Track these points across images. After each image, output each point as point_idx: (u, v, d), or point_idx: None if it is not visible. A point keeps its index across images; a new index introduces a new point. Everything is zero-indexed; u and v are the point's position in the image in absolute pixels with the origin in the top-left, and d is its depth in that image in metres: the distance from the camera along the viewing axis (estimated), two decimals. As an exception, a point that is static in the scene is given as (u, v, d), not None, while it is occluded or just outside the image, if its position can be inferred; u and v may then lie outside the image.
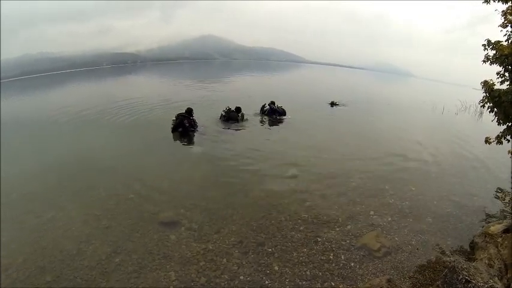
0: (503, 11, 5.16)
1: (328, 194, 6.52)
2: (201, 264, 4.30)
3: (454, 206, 6.32)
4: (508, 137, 5.50)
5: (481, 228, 5.28)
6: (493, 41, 5.22)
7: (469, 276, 3.21)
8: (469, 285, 3.16)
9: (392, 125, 14.36)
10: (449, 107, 19.65)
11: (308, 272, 4.23)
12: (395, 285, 3.94)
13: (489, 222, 5.48)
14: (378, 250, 4.71)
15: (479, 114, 16.97)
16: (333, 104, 17.40)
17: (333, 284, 4.06)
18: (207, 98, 17.69)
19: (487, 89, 5.29)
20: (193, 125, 10.62)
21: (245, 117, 12.39)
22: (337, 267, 4.37)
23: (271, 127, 12.20)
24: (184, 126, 10.31)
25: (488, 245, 4.46)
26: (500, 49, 5.06)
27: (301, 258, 4.49)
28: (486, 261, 4.10)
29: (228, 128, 11.29)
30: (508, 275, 3.68)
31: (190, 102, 15.00)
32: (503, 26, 5.19)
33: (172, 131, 10.43)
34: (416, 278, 4.20)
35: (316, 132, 11.85)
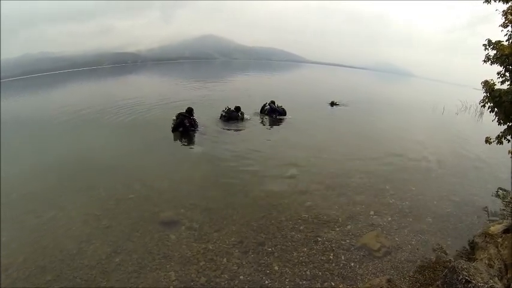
0: (503, 11, 5.15)
1: (328, 194, 6.52)
2: (201, 264, 4.30)
3: (454, 206, 6.32)
4: (509, 137, 5.49)
5: (481, 228, 5.27)
6: (493, 41, 5.21)
7: (469, 277, 3.21)
8: (469, 286, 3.15)
9: (393, 125, 14.35)
10: (450, 107, 19.63)
11: (308, 272, 4.23)
12: (395, 285, 3.94)
13: (489, 222, 5.48)
14: (378, 250, 4.71)
15: (480, 114, 16.95)
16: (333, 104, 17.39)
17: (333, 283, 4.06)
18: (207, 97, 17.71)
19: (488, 89, 5.27)
20: (193, 125, 10.62)
21: (245, 116, 12.41)
22: (337, 267, 4.37)
23: (272, 127, 12.20)
24: (185, 126, 10.31)
25: (488, 245, 4.45)
26: (501, 49, 5.05)
27: (301, 258, 4.50)
28: (486, 262, 4.10)
29: (229, 128, 11.29)
30: (508, 275, 3.67)
31: (190, 101, 15.02)
32: (504, 25, 5.17)
33: (173, 131, 10.44)
34: (416, 278, 4.20)
35: (317, 132, 11.85)
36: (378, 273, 4.26)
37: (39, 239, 4.77)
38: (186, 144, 9.80)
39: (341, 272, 4.28)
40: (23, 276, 4.01)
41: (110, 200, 5.98)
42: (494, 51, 5.17)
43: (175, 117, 10.55)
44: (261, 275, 4.14)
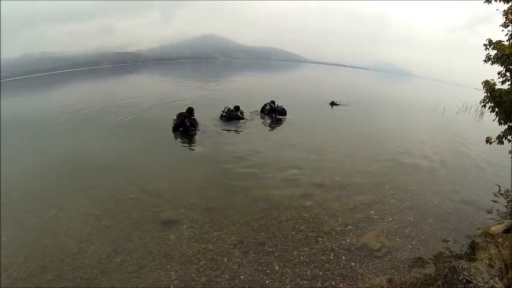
0: (504, 11, 5.14)
1: (329, 194, 6.51)
2: (202, 263, 4.30)
3: (454, 206, 6.32)
4: (509, 137, 5.48)
5: (481, 228, 5.28)
6: (494, 41, 5.20)
7: (469, 277, 3.21)
8: (469, 286, 3.15)
9: (394, 124, 14.35)
10: (451, 107, 19.64)
11: (309, 272, 4.23)
12: (396, 285, 3.95)
13: (490, 223, 5.48)
14: (379, 250, 4.70)
15: (480, 114, 16.94)
16: (333, 103, 17.39)
17: (334, 283, 4.06)
18: (208, 97, 17.72)
19: (488, 89, 5.26)
20: (194, 125, 10.62)
21: (245, 115, 12.47)
22: (337, 266, 4.37)
23: (272, 127, 12.20)
24: (185, 126, 10.32)
25: (488, 245, 4.45)
26: (502, 49, 5.03)
27: (301, 258, 4.49)
28: (487, 262, 4.10)
29: (229, 128, 11.30)
30: (509, 275, 3.67)
31: (190, 101, 15.05)
32: (505, 25, 5.16)
33: (173, 131, 10.44)
34: (416, 277, 4.19)
35: (317, 132, 11.85)
36: (378, 273, 4.26)
37: (40, 239, 4.77)
38: (186, 144, 9.80)
39: (341, 271, 4.28)
40: (24, 276, 4.02)
41: (110, 200, 5.98)
42: (495, 51, 5.16)
43: (175, 117, 10.56)
44: (261, 275, 4.14)
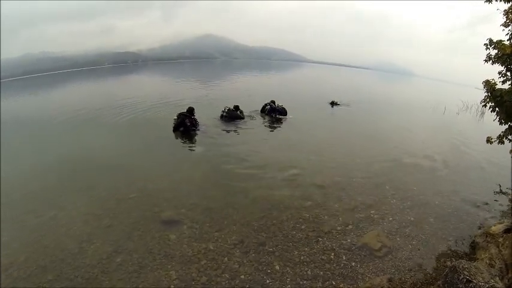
0: (505, 10, 5.13)
1: (329, 194, 6.51)
2: (202, 263, 4.30)
3: (455, 206, 6.32)
4: (510, 137, 5.48)
5: (482, 228, 5.28)
6: (494, 41, 5.20)
7: (470, 276, 3.21)
8: (470, 285, 3.15)
9: (394, 124, 14.35)
10: (451, 107, 19.64)
11: (309, 272, 4.23)
12: (396, 285, 3.95)
13: (490, 222, 5.47)
14: (379, 250, 4.70)
15: (481, 114, 16.94)
16: (333, 103, 17.38)
17: (334, 283, 4.06)
18: (208, 97, 17.72)
19: (489, 89, 5.26)
20: (194, 125, 10.62)
21: (244, 115, 12.52)
22: (338, 266, 4.36)
23: (272, 127, 12.19)
24: (186, 126, 10.32)
25: (489, 245, 4.45)
26: (502, 48, 5.03)
27: (302, 258, 4.49)
28: (487, 261, 4.10)
29: (229, 128, 11.30)
30: (509, 275, 3.67)
31: (190, 101, 15.05)
32: (505, 25, 5.16)
33: (174, 130, 10.44)
34: (417, 277, 4.19)
35: (317, 132, 11.84)
36: (378, 273, 4.26)
37: (40, 239, 4.77)
38: (186, 144, 9.80)
39: (342, 271, 4.28)
40: (24, 276, 4.02)
41: (111, 200, 5.98)
42: (496, 51, 5.16)
43: (176, 117, 10.55)
44: (262, 274, 4.14)
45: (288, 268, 4.28)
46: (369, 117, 15.50)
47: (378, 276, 4.16)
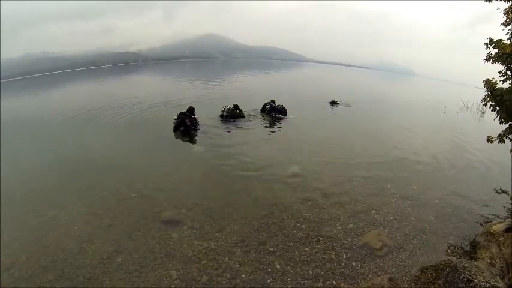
0: (505, 9, 5.12)
1: (330, 193, 6.51)
2: (203, 262, 4.30)
3: (455, 205, 6.31)
4: (510, 136, 5.47)
5: (483, 227, 5.27)
6: (495, 40, 5.19)
7: (470, 275, 3.21)
8: (470, 284, 3.15)
9: (395, 124, 14.35)
10: (452, 106, 19.63)
11: (310, 271, 4.23)
12: (397, 284, 3.94)
13: (491, 221, 5.47)
14: (380, 249, 4.70)
15: (481, 113, 16.93)
16: (333, 103, 17.36)
17: (335, 282, 4.06)
18: (208, 96, 17.72)
19: (489, 88, 5.25)
20: (195, 124, 10.63)
21: (245, 113, 12.56)
22: (338, 266, 4.37)
23: (273, 126, 12.19)
24: (186, 125, 10.32)
25: (490, 244, 4.45)
26: (503, 48, 5.02)
27: (303, 257, 4.50)
28: (488, 260, 4.10)
29: (229, 127, 11.30)
30: (510, 274, 3.67)
31: (191, 100, 15.06)
32: (506, 24, 5.15)
33: (174, 130, 10.45)
34: (418, 276, 4.19)
35: (318, 131, 11.84)
36: (379, 272, 4.26)
37: (41, 239, 4.78)
38: (187, 143, 9.81)
39: (342, 271, 4.28)
40: (25, 276, 4.02)
41: (111, 200, 5.98)
42: (496, 50, 5.15)
43: (176, 117, 10.55)
44: (262, 274, 4.14)
45: (288, 267, 4.28)
46: (369, 117, 15.50)
47: (379, 275, 4.15)
